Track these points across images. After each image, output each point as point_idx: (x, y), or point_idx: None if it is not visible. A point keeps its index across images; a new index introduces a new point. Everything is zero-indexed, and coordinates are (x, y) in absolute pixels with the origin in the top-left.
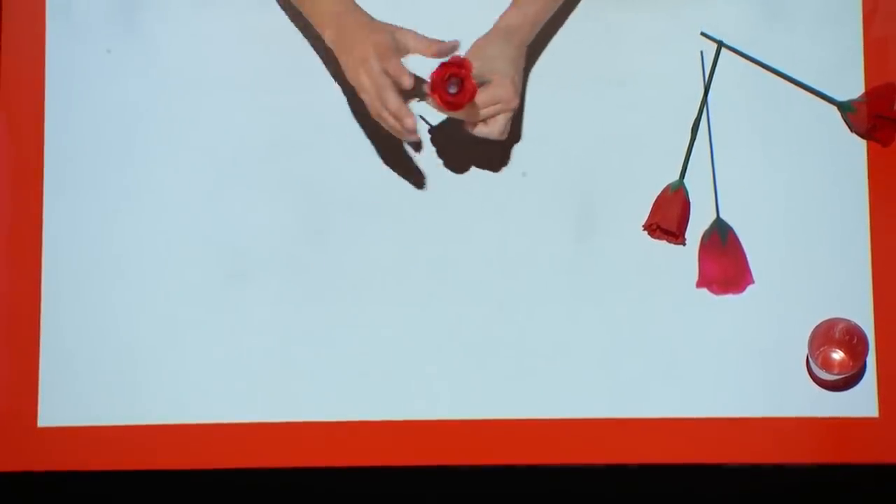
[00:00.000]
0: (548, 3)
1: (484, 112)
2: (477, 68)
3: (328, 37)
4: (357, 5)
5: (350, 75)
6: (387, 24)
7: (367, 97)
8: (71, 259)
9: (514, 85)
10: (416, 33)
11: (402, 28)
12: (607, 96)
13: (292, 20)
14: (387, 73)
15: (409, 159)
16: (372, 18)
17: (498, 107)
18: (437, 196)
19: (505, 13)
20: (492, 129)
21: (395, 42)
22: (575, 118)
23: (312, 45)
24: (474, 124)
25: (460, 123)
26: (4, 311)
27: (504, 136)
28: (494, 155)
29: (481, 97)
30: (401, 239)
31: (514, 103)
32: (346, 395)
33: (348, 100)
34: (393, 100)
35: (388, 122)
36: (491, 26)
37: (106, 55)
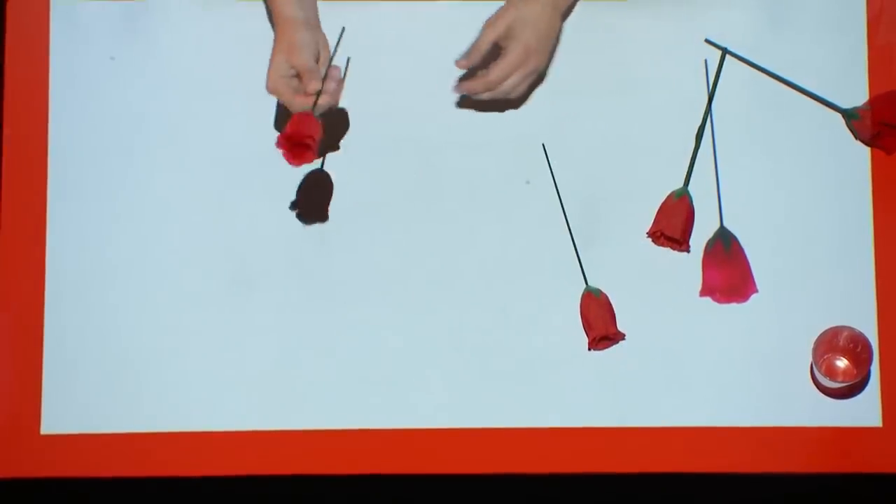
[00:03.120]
0: None
1: (501, 85)
2: (502, 27)
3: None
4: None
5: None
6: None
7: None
8: (74, 265)
9: (525, 51)
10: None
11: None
12: (611, 103)
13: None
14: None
15: None
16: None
17: (511, 79)
18: (440, 203)
19: None
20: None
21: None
22: (579, 125)
23: None
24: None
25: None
26: (8, 317)
27: (516, 95)
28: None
29: (495, 70)
30: (404, 245)
31: (527, 68)
32: (348, 403)
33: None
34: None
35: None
36: None
37: (110, 62)
